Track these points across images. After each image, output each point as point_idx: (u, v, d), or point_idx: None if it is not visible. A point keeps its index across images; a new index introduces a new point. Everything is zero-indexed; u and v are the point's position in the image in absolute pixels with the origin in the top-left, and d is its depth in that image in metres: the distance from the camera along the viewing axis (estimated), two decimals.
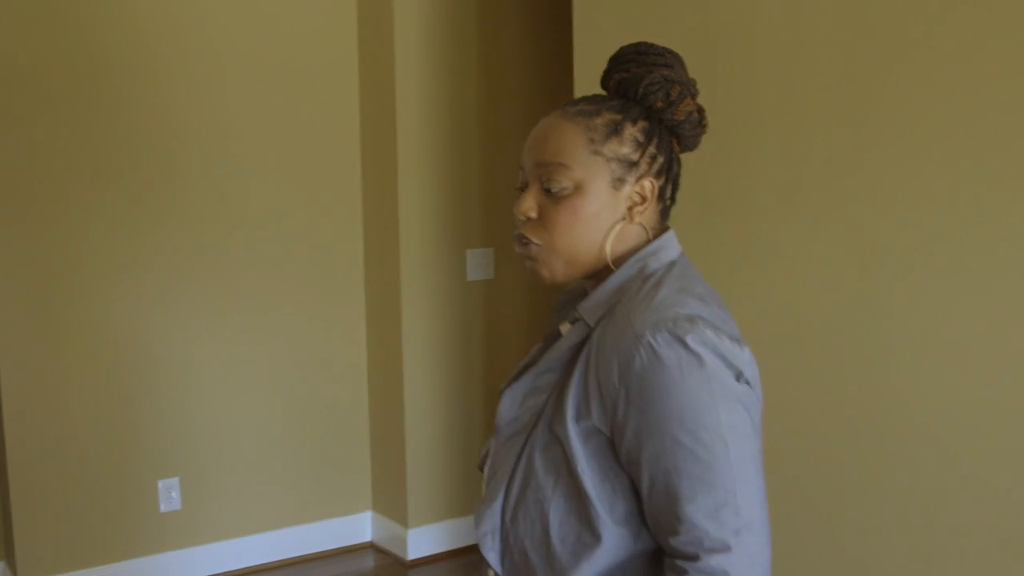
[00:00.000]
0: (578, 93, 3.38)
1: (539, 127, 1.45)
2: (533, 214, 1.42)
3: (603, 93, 1.51)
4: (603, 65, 3.11)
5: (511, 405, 1.47)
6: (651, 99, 1.42)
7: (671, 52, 1.46)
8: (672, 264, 1.43)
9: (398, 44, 4.12)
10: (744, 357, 1.35)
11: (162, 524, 4.08)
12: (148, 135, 3.95)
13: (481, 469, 1.55)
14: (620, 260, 1.43)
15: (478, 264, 4.40)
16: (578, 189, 1.40)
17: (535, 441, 1.40)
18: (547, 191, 1.41)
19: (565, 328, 1.48)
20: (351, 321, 4.47)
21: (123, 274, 3.94)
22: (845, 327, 2.59)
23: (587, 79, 3.35)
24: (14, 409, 3.79)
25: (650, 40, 2.96)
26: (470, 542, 4.48)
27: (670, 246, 1.45)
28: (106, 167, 3.89)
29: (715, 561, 1.27)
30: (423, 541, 4.36)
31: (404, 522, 4.32)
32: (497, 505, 1.42)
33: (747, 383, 1.35)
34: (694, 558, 1.28)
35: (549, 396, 1.42)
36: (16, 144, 3.73)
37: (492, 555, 1.43)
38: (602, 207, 1.41)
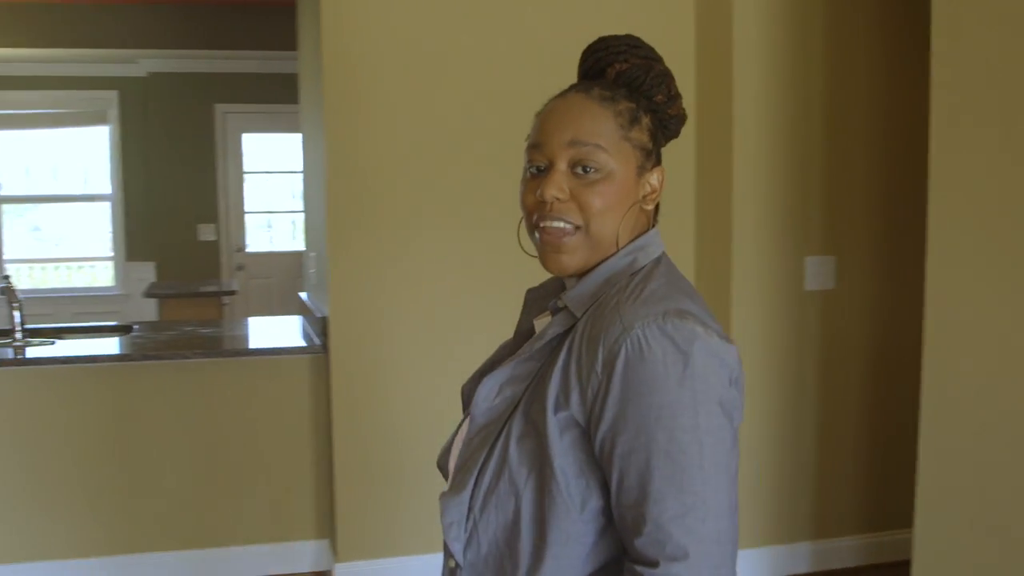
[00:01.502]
0: (936, 95, 2.97)
1: (564, 106, 1.39)
2: (563, 195, 1.35)
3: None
4: (967, 61, 2.76)
5: (488, 394, 1.40)
6: (654, 92, 1.40)
7: (653, 49, 1.44)
8: (659, 260, 1.42)
9: (737, 40, 3.84)
10: (733, 355, 1.30)
11: None
12: (473, 135, 3.95)
13: (440, 466, 1.54)
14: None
15: (818, 272, 4.04)
16: (610, 173, 1.36)
17: (511, 430, 1.35)
18: (580, 172, 1.36)
19: (543, 321, 1.46)
20: None
21: (446, 269, 3.97)
22: None
23: (948, 79, 2.93)
24: (342, 397, 3.92)
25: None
26: (806, 569, 4.16)
27: (657, 242, 1.44)
28: (436, 164, 3.93)
29: (674, 569, 1.21)
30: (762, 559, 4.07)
31: None
32: (465, 495, 1.36)
33: (734, 386, 1.30)
34: (653, 564, 1.23)
35: (528, 385, 1.37)
36: (368, 155, 3.84)
37: (457, 545, 1.38)
38: (627, 194, 1.38)
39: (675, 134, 1.46)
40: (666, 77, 1.41)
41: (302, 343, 4.17)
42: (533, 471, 1.31)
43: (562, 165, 1.36)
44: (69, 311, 8.56)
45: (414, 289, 3.94)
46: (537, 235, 1.40)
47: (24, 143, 8.88)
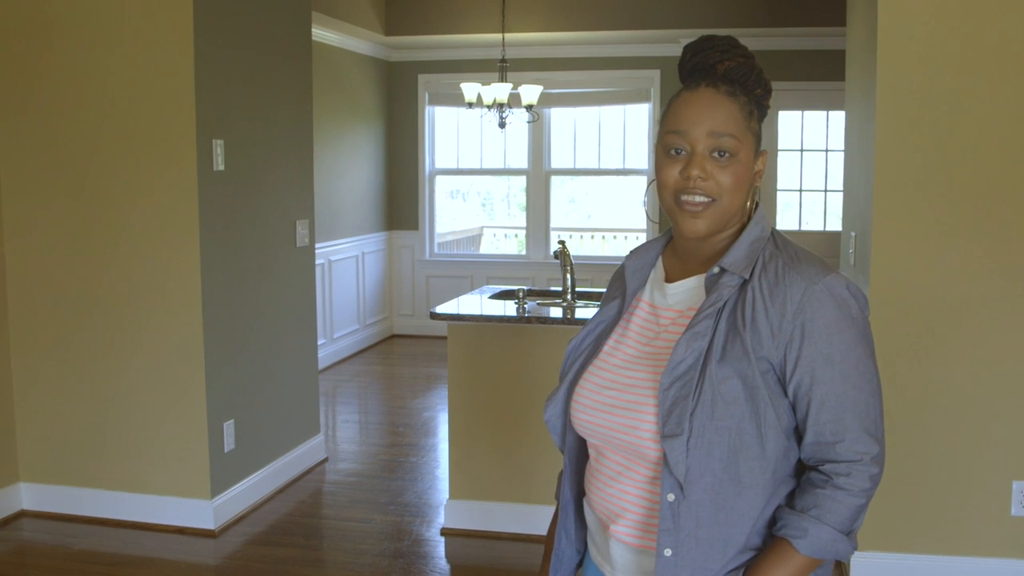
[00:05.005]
0: None
1: (701, 101, 1.65)
2: (704, 175, 1.64)
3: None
4: None
5: (680, 349, 1.63)
6: (756, 86, 1.68)
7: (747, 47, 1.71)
8: (774, 227, 1.74)
9: None
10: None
11: (1011, 528, 3.81)
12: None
13: (547, 419, 1.85)
14: (745, 219, 1.72)
15: None
16: (739, 157, 1.65)
17: (710, 377, 1.60)
18: (716, 156, 1.64)
19: (683, 284, 1.74)
20: None
21: (994, 264, 3.72)
22: None
23: None
24: None
25: None
26: None
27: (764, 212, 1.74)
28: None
29: (870, 460, 1.60)
30: None
31: None
32: (683, 437, 1.59)
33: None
34: (858, 460, 1.59)
35: (712, 339, 1.62)
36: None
37: (680, 480, 1.61)
38: (749, 174, 1.68)
39: (761, 122, 1.72)
40: (762, 73, 1.69)
41: None
42: (741, 406, 1.59)
43: (703, 150, 1.64)
44: (603, 278, 9.13)
45: (962, 278, 3.74)
46: (677, 205, 1.67)
47: (572, 119, 9.58)
